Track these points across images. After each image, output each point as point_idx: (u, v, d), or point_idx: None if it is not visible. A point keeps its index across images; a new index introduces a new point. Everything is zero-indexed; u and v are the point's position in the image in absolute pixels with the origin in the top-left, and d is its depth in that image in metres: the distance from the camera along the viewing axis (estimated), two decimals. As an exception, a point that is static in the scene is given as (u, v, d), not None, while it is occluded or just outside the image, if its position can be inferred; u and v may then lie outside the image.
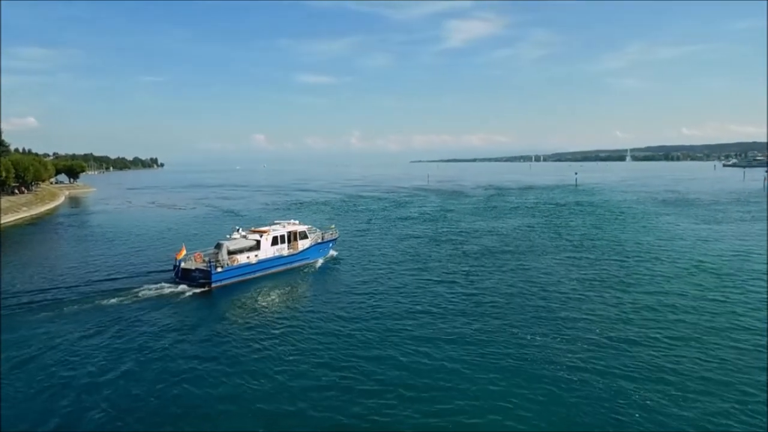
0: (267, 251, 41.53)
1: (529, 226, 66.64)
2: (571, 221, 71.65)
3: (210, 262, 37.57)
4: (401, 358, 23.34)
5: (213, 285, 36.60)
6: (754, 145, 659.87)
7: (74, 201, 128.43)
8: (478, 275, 39.28)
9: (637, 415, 18.24)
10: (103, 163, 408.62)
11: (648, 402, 19.02)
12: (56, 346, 25.40)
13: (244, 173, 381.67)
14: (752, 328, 26.75)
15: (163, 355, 24.27)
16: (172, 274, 38.36)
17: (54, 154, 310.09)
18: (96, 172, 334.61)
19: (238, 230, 43.51)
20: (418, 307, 31.07)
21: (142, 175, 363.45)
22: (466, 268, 41.65)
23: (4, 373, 22.46)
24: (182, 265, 37.86)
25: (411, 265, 43.48)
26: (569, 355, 23.17)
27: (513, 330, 26.63)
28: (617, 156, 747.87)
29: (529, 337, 25.54)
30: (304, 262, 44.29)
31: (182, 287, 36.10)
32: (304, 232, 45.79)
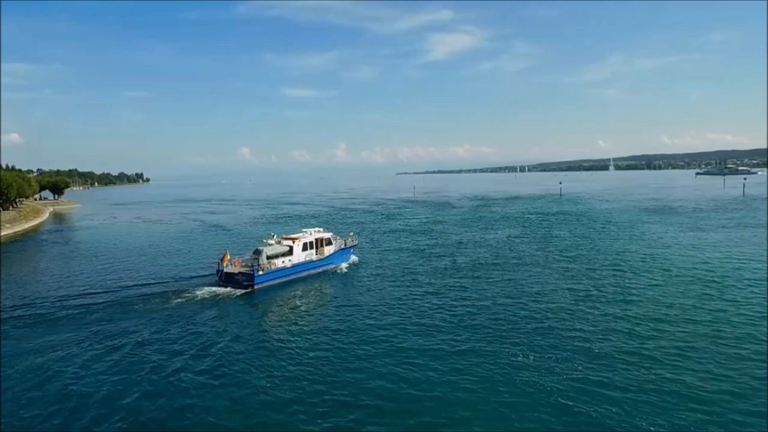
0: (299, 256, 45.25)
1: (517, 237, 67.43)
2: (559, 231, 72.52)
3: (252, 266, 41.01)
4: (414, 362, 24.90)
5: (255, 287, 40.14)
6: (732, 153, 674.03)
7: (59, 217, 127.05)
8: (470, 287, 39.83)
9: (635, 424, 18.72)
10: (88, 179, 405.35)
11: (647, 414, 19.29)
12: (131, 340, 28.80)
13: (230, 187, 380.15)
14: (752, 334, 27.36)
15: (226, 352, 26.98)
16: (216, 278, 41.76)
17: (38, 170, 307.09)
18: (81, 188, 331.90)
19: (273, 236, 47.78)
20: (424, 318, 32.28)
21: (128, 190, 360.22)
22: (459, 280, 42.35)
23: (90, 358, 26.04)
24: (225, 269, 41.27)
25: (413, 275, 44.89)
26: (565, 370, 23.14)
27: (508, 345, 26.49)
28: (601, 165, 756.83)
29: (521, 356, 24.94)
30: (330, 267, 48.02)
31: (228, 289, 39.69)
32: (329, 239, 49.17)
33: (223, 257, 42.51)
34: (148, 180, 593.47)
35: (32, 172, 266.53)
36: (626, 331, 28.31)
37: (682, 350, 25.31)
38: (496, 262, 49.63)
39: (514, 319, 30.76)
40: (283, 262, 43.64)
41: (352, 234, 55.43)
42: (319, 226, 53.05)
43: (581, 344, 26.31)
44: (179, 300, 37.28)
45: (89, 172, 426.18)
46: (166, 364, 25.27)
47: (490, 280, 41.79)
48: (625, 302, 33.98)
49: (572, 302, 34.22)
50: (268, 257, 42.63)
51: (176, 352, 26.90)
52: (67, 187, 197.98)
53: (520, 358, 24.48)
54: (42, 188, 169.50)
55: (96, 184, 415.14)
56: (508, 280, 41.55)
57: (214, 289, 40.03)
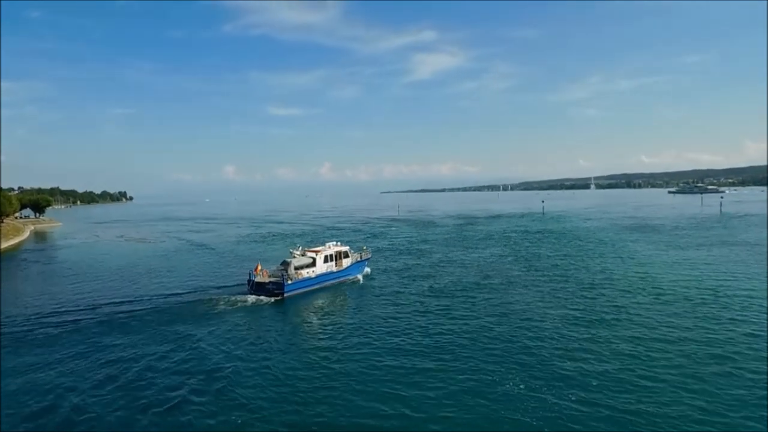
0: (321, 267, 48.67)
1: (501, 257, 67.94)
2: (542, 250, 73.21)
3: (282, 276, 44.36)
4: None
5: (285, 295, 43.50)
6: (709, 172, 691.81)
7: (40, 236, 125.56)
8: (461, 306, 40.13)
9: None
10: (70, 197, 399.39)
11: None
12: (185, 343, 31.54)
13: (214, 205, 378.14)
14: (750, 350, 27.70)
15: (267, 355, 29.60)
16: (246, 288, 45.15)
17: (19, 188, 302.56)
18: (63, 207, 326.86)
19: (298, 248, 51.50)
20: (428, 330, 33.70)
21: (111, 208, 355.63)
22: (452, 298, 42.98)
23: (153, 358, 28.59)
24: (256, 279, 44.71)
25: (410, 294, 45.31)
26: (555, 395, 22.53)
27: (498, 378, 24.94)
28: (582, 184, 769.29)
29: (510, 384, 23.95)
30: (348, 278, 51.58)
31: (260, 298, 43.10)
32: (347, 252, 52.72)
33: (255, 268, 46.25)
34: (131, 198, 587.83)
35: (13, 190, 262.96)
36: (620, 352, 28.07)
37: (678, 368, 25.49)
38: (482, 282, 49.70)
39: (505, 342, 30.46)
40: (307, 272, 46.99)
41: (365, 248, 59.27)
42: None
43: (572, 368, 25.80)
44: (222, 307, 40.76)
45: (71, 190, 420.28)
46: (221, 365, 27.57)
47: (477, 300, 42.14)
48: (616, 322, 33.94)
49: (561, 323, 34.03)
50: (295, 268, 45.91)
51: (228, 354, 29.37)
52: (49, 205, 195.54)
53: (508, 386, 23.85)
54: (23, 206, 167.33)
55: (78, 202, 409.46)
56: (496, 300, 41.77)
57: (246, 297, 43.35)
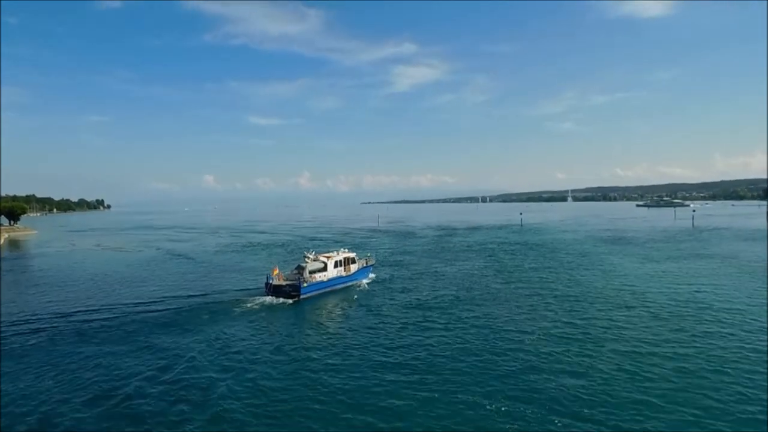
0: (332, 272, 51.92)
1: (481, 269, 68.13)
2: (522, 262, 73.78)
3: (299, 279, 47.57)
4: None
5: (301, 297, 46.47)
6: (682, 186, 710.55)
7: (14, 244, 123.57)
8: (444, 319, 40.51)
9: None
10: (46, 204, 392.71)
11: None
12: (229, 336, 34.79)
13: (192, 214, 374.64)
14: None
15: (295, 348, 32.47)
16: (264, 290, 48.01)
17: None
18: (38, 214, 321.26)
19: (312, 252, 54.54)
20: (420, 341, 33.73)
21: (88, 216, 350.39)
22: (438, 309, 43.13)
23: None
24: (273, 282, 47.51)
25: (402, 304, 45.50)
26: (539, 419, 21.48)
27: (484, 393, 24.24)
28: (560, 196, 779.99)
29: (489, 404, 22.98)
30: (355, 282, 54.88)
31: (278, 299, 46.08)
32: (354, 258, 55.98)
33: (272, 271, 49.18)
34: (109, 207, 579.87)
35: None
36: (605, 364, 27.65)
37: (667, 374, 25.83)
38: (463, 295, 49.80)
39: (490, 356, 29.96)
40: (320, 276, 50.22)
41: (369, 255, 63.14)
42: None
43: (557, 382, 25.24)
44: (245, 307, 43.93)
45: (47, 198, 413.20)
46: (252, 360, 29.89)
47: (463, 312, 41.93)
48: (600, 334, 33.57)
49: (544, 336, 33.20)
50: (310, 272, 49.03)
51: (257, 354, 31.16)
52: (24, 212, 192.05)
53: (488, 407, 22.85)
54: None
55: (55, 210, 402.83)
56: (479, 313, 41.40)
57: (264, 298, 46.43)
